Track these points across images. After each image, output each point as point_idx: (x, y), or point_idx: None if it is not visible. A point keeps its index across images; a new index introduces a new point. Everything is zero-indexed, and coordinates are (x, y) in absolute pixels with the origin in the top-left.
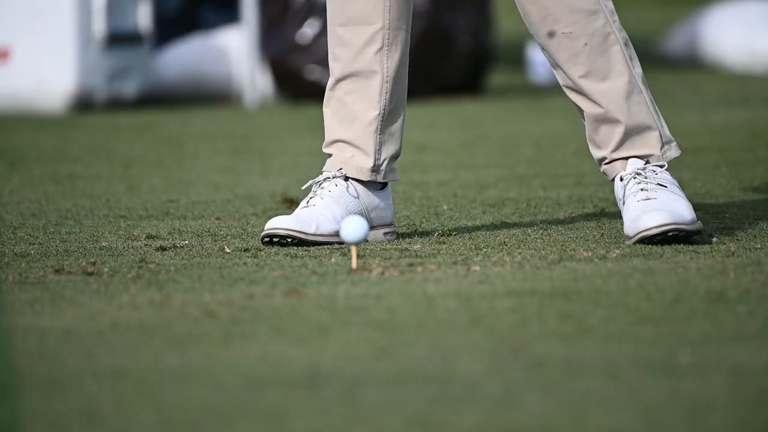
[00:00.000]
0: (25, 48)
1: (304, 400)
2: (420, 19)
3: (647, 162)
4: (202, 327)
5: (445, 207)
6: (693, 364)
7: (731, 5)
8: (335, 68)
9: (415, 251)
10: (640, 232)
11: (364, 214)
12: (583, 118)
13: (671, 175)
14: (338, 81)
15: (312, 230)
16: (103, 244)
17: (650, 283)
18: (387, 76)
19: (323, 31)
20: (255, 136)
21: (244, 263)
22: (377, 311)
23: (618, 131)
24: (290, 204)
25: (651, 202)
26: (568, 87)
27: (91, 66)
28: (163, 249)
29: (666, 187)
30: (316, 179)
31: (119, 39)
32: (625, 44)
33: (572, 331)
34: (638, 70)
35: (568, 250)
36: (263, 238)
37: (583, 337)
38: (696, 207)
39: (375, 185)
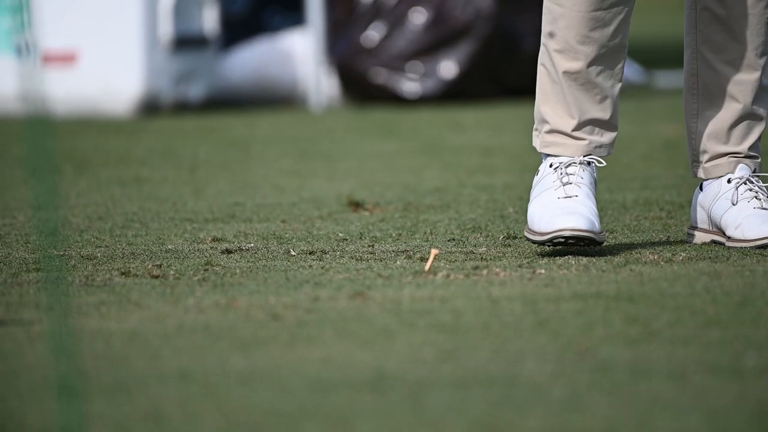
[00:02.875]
0: (93, 52)
1: (369, 403)
2: (486, 22)
3: (754, 170)
4: (267, 330)
5: (510, 210)
6: (759, 368)
7: None
8: (587, 51)
9: (480, 254)
10: (760, 238)
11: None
12: (711, 107)
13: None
14: (590, 64)
15: (598, 229)
16: (169, 247)
17: (716, 286)
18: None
19: (389, 34)
20: (321, 139)
21: (310, 266)
22: (442, 314)
23: (758, 129)
24: (356, 207)
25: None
26: (738, 70)
27: (157, 69)
28: (228, 252)
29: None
30: (566, 161)
31: (185, 42)
32: None
33: (638, 335)
34: None
35: (633, 253)
36: (552, 240)
37: (648, 340)
38: None
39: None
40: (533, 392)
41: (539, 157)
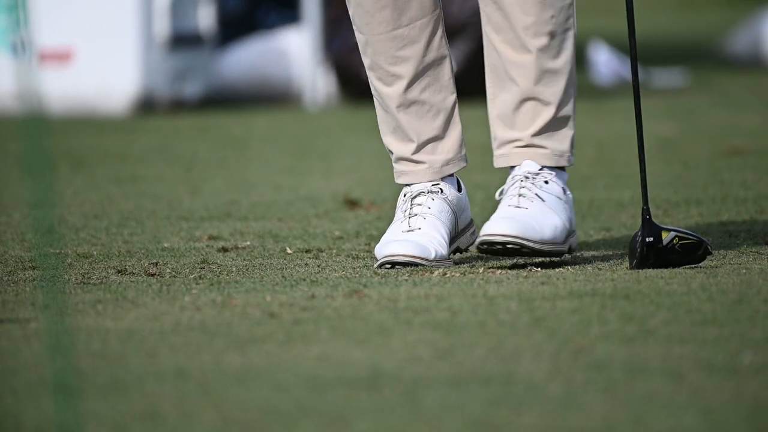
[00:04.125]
0: (88, 50)
1: (365, 401)
2: None
3: (542, 168)
4: (263, 328)
5: None
6: (755, 366)
7: None
8: (404, 71)
9: (476, 252)
10: (483, 234)
11: (455, 222)
12: (499, 90)
13: (563, 183)
14: (411, 83)
15: (432, 256)
16: (166, 245)
17: (713, 284)
18: (450, 56)
19: None
20: (317, 137)
21: (306, 264)
22: (438, 312)
23: (545, 115)
24: (352, 205)
25: (515, 210)
26: (514, 51)
27: (153, 67)
28: (224, 250)
29: (544, 201)
30: (413, 191)
31: (181, 40)
32: (575, 36)
33: (634, 333)
34: (575, 67)
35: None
36: (382, 265)
37: (644, 338)
38: (759, 209)
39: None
40: (529, 390)
41: None
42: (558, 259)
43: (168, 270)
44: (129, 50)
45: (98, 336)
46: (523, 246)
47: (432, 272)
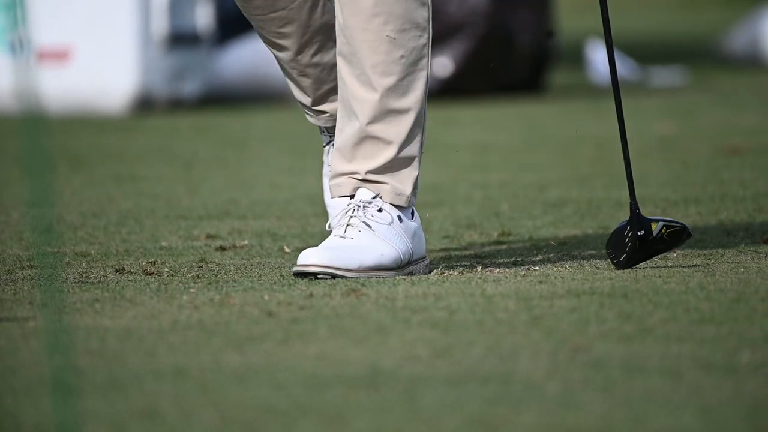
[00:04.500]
0: (87, 49)
1: (364, 400)
2: (481, 20)
3: (375, 197)
4: (261, 326)
5: (505, 207)
6: (753, 364)
7: None
8: (288, 44)
9: (474, 251)
10: (297, 263)
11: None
12: (346, 122)
13: (396, 216)
14: (299, 52)
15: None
16: (164, 244)
17: (711, 283)
18: None
19: None
20: (315, 136)
21: None
22: (436, 311)
23: (386, 154)
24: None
25: (338, 241)
26: (360, 86)
27: (152, 66)
28: (223, 249)
29: (373, 230)
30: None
31: (180, 39)
32: (427, 77)
33: (632, 331)
34: (426, 108)
35: None
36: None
37: (642, 337)
38: (758, 207)
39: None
40: (527, 389)
41: (535, 155)
42: (556, 257)
43: (166, 269)
44: (127, 49)
45: (97, 335)
46: (335, 276)
47: (430, 271)
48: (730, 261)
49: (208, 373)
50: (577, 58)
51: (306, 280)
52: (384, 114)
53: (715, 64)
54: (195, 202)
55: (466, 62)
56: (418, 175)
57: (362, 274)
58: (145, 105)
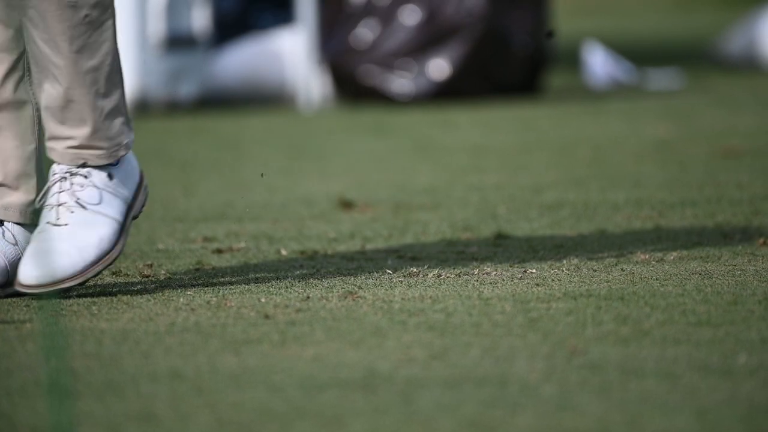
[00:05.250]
0: None
1: (360, 402)
2: (477, 21)
3: (84, 164)
4: (258, 329)
5: (501, 209)
6: (750, 367)
7: None
8: None
9: (471, 253)
10: (17, 282)
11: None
12: (44, 78)
13: (114, 179)
14: None
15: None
16: (160, 246)
17: (707, 285)
18: (33, 106)
19: (381, 33)
20: (312, 138)
21: (300, 265)
22: (433, 313)
23: (94, 116)
24: (347, 206)
25: (50, 238)
26: (52, 51)
27: (148, 69)
28: (219, 251)
29: (86, 209)
30: None
31: (176, 42)
32: (113, 23)
33: (629, 334)
34: (118, 52)
35: (624, 252)
36: None
37: (639, 339)
38: (754, 210)
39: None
40: (524, 391)
41: (531, 157)
42: (553, 260)
43: (163, 271)
44: (124, 51)
45: (93, 337)
46: (60, 289)
47: (427, 273)
48: (726, 263)
49: (205, 375)
50: (573, 60)
51: (302, 282)
52: (82, 76)
53: (712, 66)
54: (191, 205)
55: (463, 64)
56: (124, 119)
57: (90, 273)
58: (141, 107)
